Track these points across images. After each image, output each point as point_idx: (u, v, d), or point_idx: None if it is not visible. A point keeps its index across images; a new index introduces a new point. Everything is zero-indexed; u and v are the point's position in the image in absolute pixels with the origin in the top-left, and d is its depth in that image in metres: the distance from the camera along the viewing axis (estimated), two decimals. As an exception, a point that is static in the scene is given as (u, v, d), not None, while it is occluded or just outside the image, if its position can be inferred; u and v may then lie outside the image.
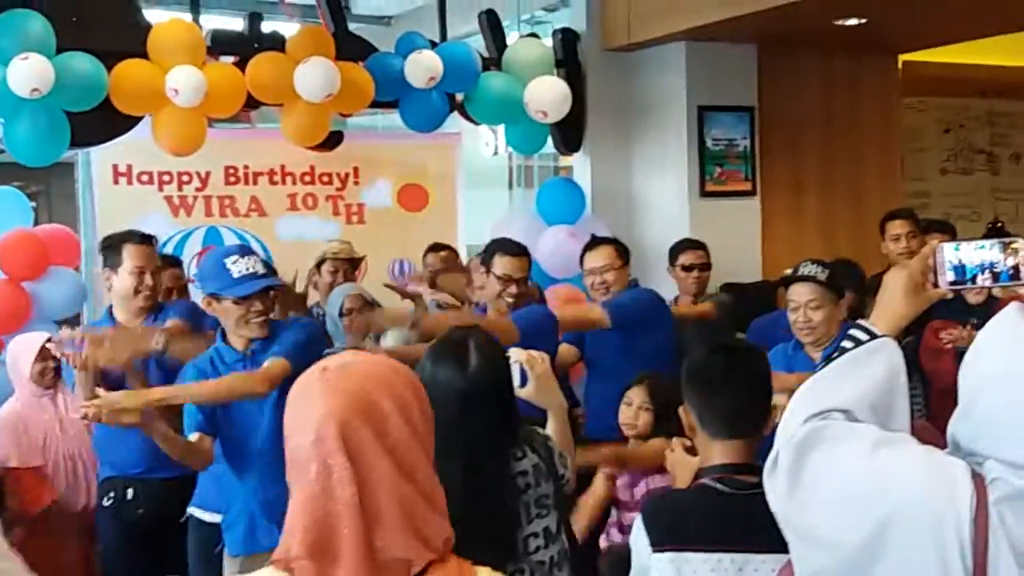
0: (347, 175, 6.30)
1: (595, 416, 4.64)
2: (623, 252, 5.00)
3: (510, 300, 4.58)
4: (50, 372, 4.65)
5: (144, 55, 5.02)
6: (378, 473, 1.52)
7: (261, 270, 3.74)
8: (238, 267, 3.69)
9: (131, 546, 4.41)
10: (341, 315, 4.84)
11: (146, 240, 4.41)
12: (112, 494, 4.41)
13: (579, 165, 6.70)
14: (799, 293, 4.18)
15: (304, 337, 3.75)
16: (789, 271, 4.41)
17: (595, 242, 5.05)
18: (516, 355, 2.94)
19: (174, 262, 5.32)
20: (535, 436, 2.87)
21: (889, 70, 7.24)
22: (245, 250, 3.87)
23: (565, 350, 4.73)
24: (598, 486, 3.91)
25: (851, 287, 5.06)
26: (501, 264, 4.60)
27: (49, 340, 4.67)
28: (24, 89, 4.60)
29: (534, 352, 3.05)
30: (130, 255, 4.30)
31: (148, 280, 4.30)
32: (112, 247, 4.36)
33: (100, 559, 4.66)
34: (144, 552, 4.39)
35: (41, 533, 4.42)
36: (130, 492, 4.38)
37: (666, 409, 3.58)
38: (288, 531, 1.53)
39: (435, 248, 5.80)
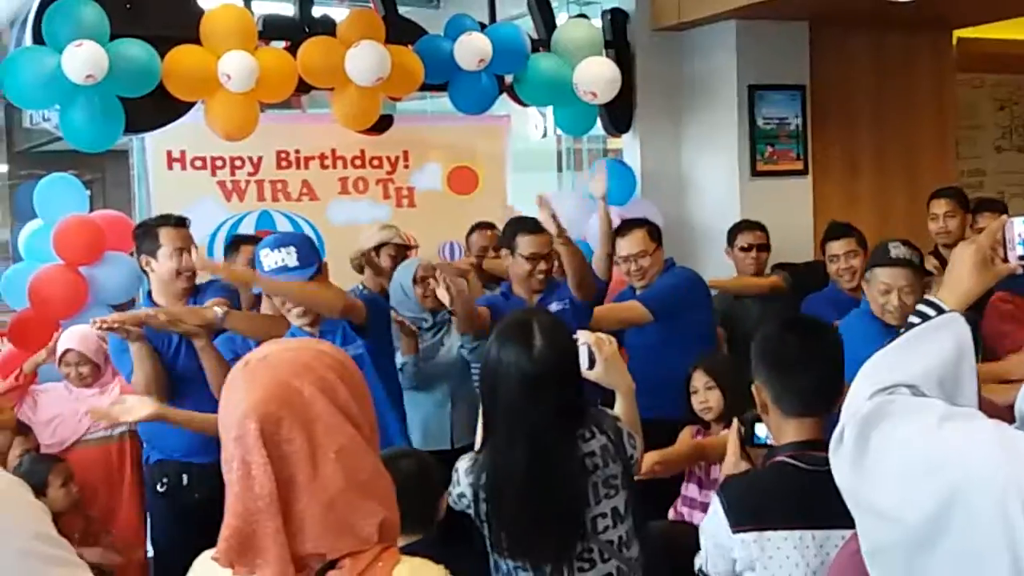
0: (397, 159, 6.30)
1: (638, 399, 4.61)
2: (656, 234, 4.97)
3: (540, 277, 4.58)
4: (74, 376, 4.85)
5: (197, 41, 5.06)
6: (301, 464, 1.49)
7: (292, 263, 3.76)
8: (268, 260, 3.76)
9: (186, 530, 4.44)
10: (415, 282, 4.86)
11: (181, 223, 4.44)
12: (166, 480, 4.44)
13: (629, 146, 6.67)
14: (894, 276, 4.04)
15: (375, 295, 3.81)
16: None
17: (626, 227, 5.00)
18: (584, 337, 2.95)
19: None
20: (603, 417, 2.88)
21: (943, 46, 7.14)
22: (280, 241, 3.87)
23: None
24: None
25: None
26: (525, 243, 4.60)
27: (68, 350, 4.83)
28: (79, 75, 4.65)
29: (602, 334, 3.07)
30: (168, 237, 4.33)
31: (188, 261, 4.31)
32: (148, 232, 4.39)
33: (155, 542, 4.72)
34: (199, 536, 4.41)
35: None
36: (185, 477, 4.41)
37: (730, 383, 3.64)
38: (221, 528, 1.53)
39: (480, 226, 5.79)
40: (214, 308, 4.08)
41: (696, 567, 2.69)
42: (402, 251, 5.37)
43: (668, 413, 4.15)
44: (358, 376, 1.60)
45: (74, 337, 4.93)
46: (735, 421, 3.02)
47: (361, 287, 5.27)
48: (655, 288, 4.86)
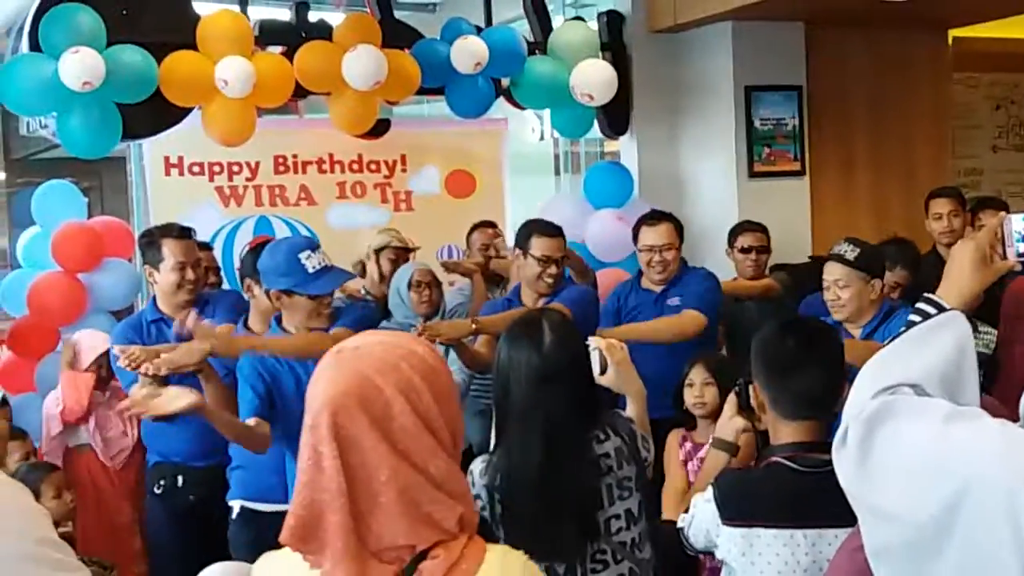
0: (395, 162, 6.32)
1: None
2: (680, 230, 4.98)
3: (549, 280, 4.58)
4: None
5: (193, 47, 5.05)
6: (374, 461, 1.51)
7: (329, 263, 3.80)
8: (312, 262, 3.73)
9: (181, 532, 4.45)
10: (409, 287, 4.87)
11: (185, 233, 4.41)
12: (162, 481, 4.46)
13: (626, 148, 6.67)
14: (829, 271, 4.23)
15: (368, 312, 3.83)
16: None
17: (655, 218, 4.98)
18: (595, 342, 2.97)
19: (203, 247, 5.31)
20: (618, 419, 2.90)
21: (939, 46, 7.14)
22: (313, 243, 3.87)
23: None
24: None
25: (904, 265, 5.04)
26: (539, 245, 4.59)
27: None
28: (76, 82, 4.65)
29: (613, 340, 3.09)
30: (171, 251, 4.30)
31: (190, 275, 4.32)
32: (152, 243, 4.36)
33: (149, 543, 4.73)
34: (194, 537, 4.43)
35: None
36: (180, 479, 4.43)
37: (729, 382, 3.62)
38: (288, 513, 1.55)
39: (481, 225, 5.78)
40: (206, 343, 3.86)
41: (678, 524, 2.71)
42: (402, 253, 5.37)
43: (672, 414, 4.15)
44: (445, 383, 1.61)
45: (103, 340, 4.89)
46: (733, 392, 3.03)
47: (364, 291, 5.27)
48: (697, 292, 4.81)
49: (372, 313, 4.04)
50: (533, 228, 4.70)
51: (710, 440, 3.13)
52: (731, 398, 2.95)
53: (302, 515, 1.52)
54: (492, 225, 5.72)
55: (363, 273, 5.39)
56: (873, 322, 4.16)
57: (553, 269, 4.58)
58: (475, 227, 5.79)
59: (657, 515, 3.10)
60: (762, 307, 5.32)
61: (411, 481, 1.51)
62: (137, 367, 3.73)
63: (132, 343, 4.07)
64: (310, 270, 3.72)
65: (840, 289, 4.16)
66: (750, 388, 2.69)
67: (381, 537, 1.50)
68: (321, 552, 1.51)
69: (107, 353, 4.70)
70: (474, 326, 4.27)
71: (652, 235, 4.90)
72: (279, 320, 3.92)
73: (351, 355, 1.58)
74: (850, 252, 4.19)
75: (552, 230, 4.65)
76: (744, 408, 2.90)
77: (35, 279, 5.31)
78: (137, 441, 4.83)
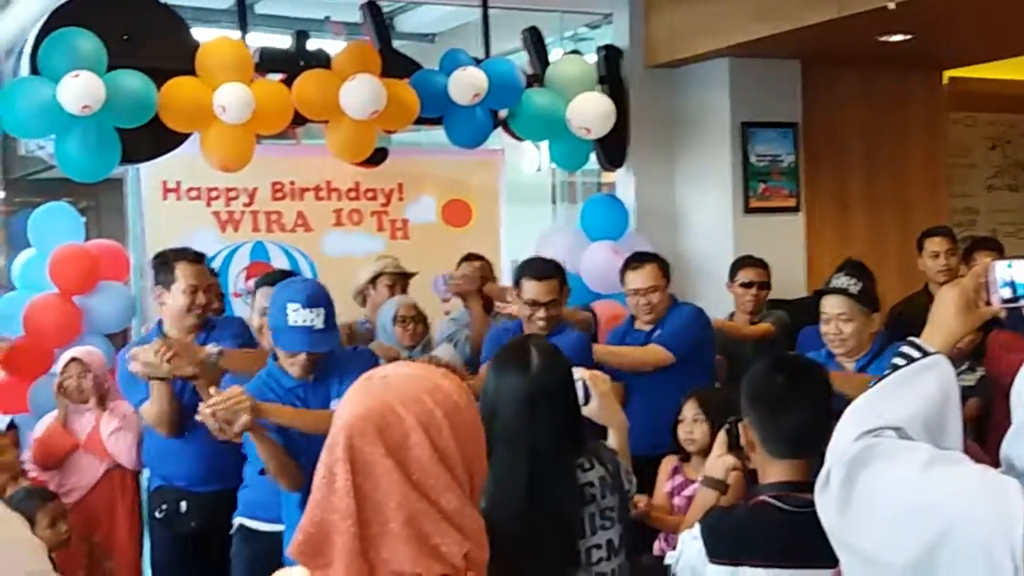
0: (392, 191, 6.34)
1: (635, 436, 4.60)
2: (665, 269, 4.99)
3: (540, 323, 4.53)
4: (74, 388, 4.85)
5: (193, 72, 5.08)
6: (385, 487, 1.51)
7: (319, 324, 3.66)
8: (296, 316, 3.65)
9: (182, 557, 4.47)
10: (394, 322, 4.87)
11: (199, 258, 4.45)
12: (164, 506, 4.48)
13: (622, 181, 6.71)
14: (830, 305, 4.14)
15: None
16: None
17: (637, 260, 5.00)
18: (579, 373, 2.98)
19: (212, 273, 5.36)
20: (603, 449, 2.91)
21: (935, 86, 7.20)
22: (312, 300, 3.69)
23: (616, 387, 4.57)
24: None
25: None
26: (527, 288, 4.55)
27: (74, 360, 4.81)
28: (75, 106, 4.67)
29: (597, 372, 3.11)
30: (183, 273, 4.34)
31: (201, 299, 4.36)
32: (165, 264, 4.40)
33: (152, 568, 4.74)
34: (195, 563, 4.44)
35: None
36: (183, 504, 4.44)
37: (720, 419, 3.62)
38: (296, 528, 1.56)
39: (469, 258, 5.77)
40: (208, 350, 4.07)
41: (666, 562, 2.71)
42: (399, 279, 5.37)
43: (673, 450, 4.17)
44: (469, 420, 1.61)
45: (80, 350, 4.95)
46: (723, 429, 3.04)
47: (364, 320, 5.27)
48: (672, 328, 4.85)
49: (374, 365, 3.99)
50: (524, 270, 4.68)
51: (700, 478, 3.13)
52: (721, 436, 2.96)
53: (311, 532, 1.53)
54: (480, 258, 5.72)
55: (363, 302, 5.39)
56: (867, 356, 4.11)
57: (542, 312, 4.51)
58: (463, 260, 5.75)
59: (638, 548, 3.10)
60: (759, 345, 5.33)
61: (420, 511, 1.52)
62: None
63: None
64: (289, 322, 3.66)
65: (843, 323, 4.08)
66: (740, 426, 2.69)
67: (389, 562, 1.51)
68: (328, 568, 1.52)
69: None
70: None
71: (637, 279, 4.93)
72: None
73: (379, 383, 1.59)
74: (853, 287, 4.12)
75: (542, 273, 4.59)
76: (734, 446, 2.90)
77: (31, 301, 5.32)
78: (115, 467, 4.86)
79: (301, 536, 1.54)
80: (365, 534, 1.51)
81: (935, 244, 5.56)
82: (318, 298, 3.72)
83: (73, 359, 4.90)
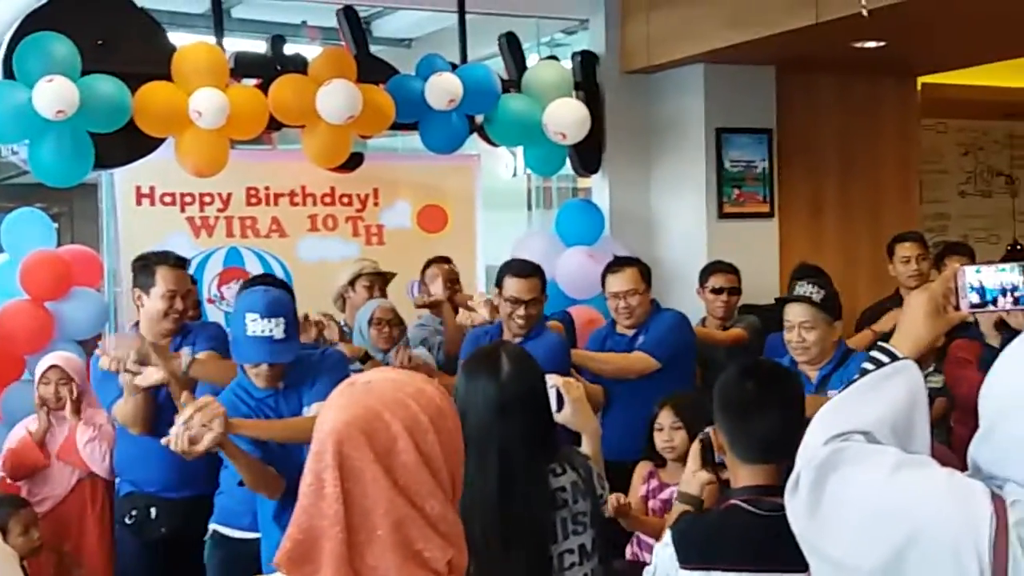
0: (367, 196, 6.33)
1: (617, 441, 4.62)
2: (646, 274, 5.00)
3: (520, 321, 4.58)
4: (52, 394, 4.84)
5: (168, 77, 5.07)
6: (373, 493, 1.52)
7: (279, 335, 3.61)
8: (255, 327, 3.61)
9: (150, 563, 4.44)
10: (370, 324, 4.86)
11: (180, 263, 4.46)
12: (135, 512, 4.44)
13: (598, 186, 6.72)
14: (794, 313, 4.17)
15: (342, 377, 3.74)
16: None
17: (618, 264, 5.03)
18: (552, 380, 2.99)
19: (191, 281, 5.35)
20: (575, 455, 2.92)
21: (908, 92, 7.25)
22: (270, 309, 3.64)
23: (593, 390, 4.54)
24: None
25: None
26: (509, 285, 4.62)
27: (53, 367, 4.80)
28: (49, 111, 4.65)
29: (570, 378, 3.13)
30: (163, 278, 4.33)
31: (179, 304, 4.36)
32: (146, 268, 4.39)
33: (118, 574, 4.71)
34: (163, 570, 4.41)
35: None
36: (153, 511, 4.41)
37: (696, 424, 3.63)
38: (284, 537, 1.56)
39: (436, 261, 5.75)
40: (181, 356, 4.09)
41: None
42: (377, 279, 5.36)
43: (646, 456, 4.17)
44: (451, 426, 1.62)
45: (59, 356, 4.92)
46: (697, 439, 3.05)
47: (343, 323, 5.26)
48: (656, 335, 4.86)
49: (347, 372, 3.98)
50: (507, 268, 4.74)
51: (675, 494, 3.14)
52: (695, 450, 2.96)
53: (299, 539, 1.53)
54: (447, 260, 5.72)
55: (343, 306, 5.38)
56: (830, 364, 4.14)
57: (522, 311, 4.58)
58: (430, 262, 5.75)
59: (611, 554, 3.10)
60: (732, 350, 5.35)
61: (406, 517, 1.53)
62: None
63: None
64: (248, 332, 3.62)
65: (806, 331, 4.11)
66: (710, 432, 2.70)
67: (375, 570, 1.51)
68: (316, 575, 1.53)
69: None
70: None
71: (616, 282, 4.95)
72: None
73: (362, 388, 1.60)
74: (816, 294, 4.15)
75: (525, 271, 4.66)
76: (708, 461, 2.91)
77: (2, 307, 5.29)
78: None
79: (289, 544, 1.54)
80: (353, 541, 1.52)
81: (905, 249, 5.61)
82: (277, 307, 3.66)
83: (52, 366, 4.87)
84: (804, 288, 4.22)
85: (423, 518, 1.54)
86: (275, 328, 3.60)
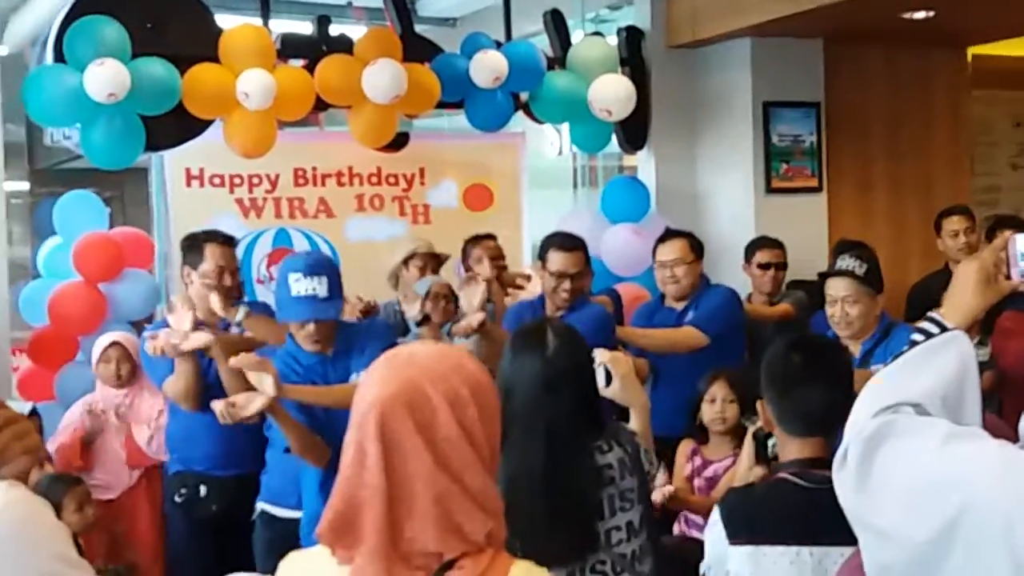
0: (413, 176, 6.34)
1: (663, 418, 4.60)
2: (696, 246, 4.99)
3: (564, 295, 4.58)
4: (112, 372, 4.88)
5: (216, 59, 5.10)
6: (414, 465, 1.54)
7: (323, 293, 3.69)
8: (299, 287, 3.68)
9: (200, 541, 4.49)
10: (427, 298, 4.87)
11: (228, 241, 4.52)
12: (184, 491, 4.50)
13: (644, 163, 6.70)
14: (836, 288, 4.14)
15: (389, 345, 3.78)
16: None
17: (668, 234, 5.05)
18: (600, 356, 2.99)
19: None
20: (622, 431, 2.92)
21: (958, 63, 7.15)
22: (313, 268, 3.75)
23: (639, 364, 4.45)
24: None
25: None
26: (554, 260, 4.62)
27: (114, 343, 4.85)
28: (101, 94, 4.70)
29: (618, 353, 3.11)
30: (212, 255, 4.40)
31: (227, 280, 4.39)
32: (194, 246, 4.46)
33: (168, 553, 4.77)
34: (213, 548, 4.46)
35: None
36: (203, 489, 4.47)
37: (750, 399, 3.62)
38: (326, 508, 1.58)
39: (477, 239, 5.64)
40: (240, 311, 4.20)
41: (701, 572, 2.71)
42: (430, 260, 5.36)
43: (689, 433, 4.17)
44: (492, 400, 1.64)
45: (120, 334, 4.99)
46: (749, 432, 3.04)
47: (396, 303, 5.26)
48: (706, 310, 4.85)
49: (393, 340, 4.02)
50: (551, 242, 4.74)
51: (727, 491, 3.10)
52: (748, 446, 2.95)
53: (341, 509, 1.55)
54: (492, 237, 5.67)
55: (396, 284, 5.39)
56: (873, 338, 4.11)
57: (567, 284, 4.58)
58: (472, 240, 5.65)
59: (659, 530, 3.10)
60: (779, 325, 5.32)
61: (446, 489, 1.54)
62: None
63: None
64: (292, 292, 3.70)
65: (850, 306, 4.09)
66: (758, 406, 2.69)
67: (412, 541, 1.53)
68: (355, 547, 1.54)
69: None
70: None
71: (663, 251, 4.96)
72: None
73: (405, 361, 1.61)
74: (859, 268, 4.12)
75: (570, 244, 4.66)
76: (763, 457, 2.90)
77: (55, 289, 5.36)
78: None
79: (331, 514, 1.56)
80: (393, 512, 1.53)
81: (953, 223, 5.55)
82: (319, 266, 3.75)
83: (114, 342, 4.93)
84: (846, 262, 4.19)
85: (463, 491, 1.55)
86: (318, 286, 3.69)
